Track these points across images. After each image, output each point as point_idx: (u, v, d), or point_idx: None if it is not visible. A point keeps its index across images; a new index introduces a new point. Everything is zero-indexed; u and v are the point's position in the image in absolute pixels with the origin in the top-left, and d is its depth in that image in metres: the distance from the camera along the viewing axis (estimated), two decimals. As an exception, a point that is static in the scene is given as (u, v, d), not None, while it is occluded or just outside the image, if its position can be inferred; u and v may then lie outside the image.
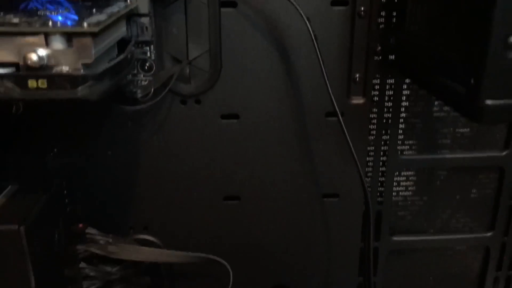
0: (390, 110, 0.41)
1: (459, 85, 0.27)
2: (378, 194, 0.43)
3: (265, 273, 0.45)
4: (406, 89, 0.41)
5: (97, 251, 0.38)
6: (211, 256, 0.40)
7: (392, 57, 0.38)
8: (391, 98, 0.41)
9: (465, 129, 0.42)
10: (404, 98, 0.42)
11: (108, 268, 0.40)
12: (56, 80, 0.24)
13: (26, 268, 0.32)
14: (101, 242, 0.39)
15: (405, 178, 0.45)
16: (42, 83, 0.24)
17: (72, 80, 0.24)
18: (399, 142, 0.42)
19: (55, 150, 0.40)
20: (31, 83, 0.24)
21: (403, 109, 0.42)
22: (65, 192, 0.39)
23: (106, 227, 0.41)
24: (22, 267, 0.32)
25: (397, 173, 0.44)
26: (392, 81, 0.40)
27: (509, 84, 0.25)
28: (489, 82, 0.25)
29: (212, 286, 0.43)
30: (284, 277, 0.45)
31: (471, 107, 0.26)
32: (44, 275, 0.34)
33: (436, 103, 0.42)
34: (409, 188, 0.45)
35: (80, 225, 0.40)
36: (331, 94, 0.36)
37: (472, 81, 0.26)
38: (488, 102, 0.25)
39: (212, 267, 0.43)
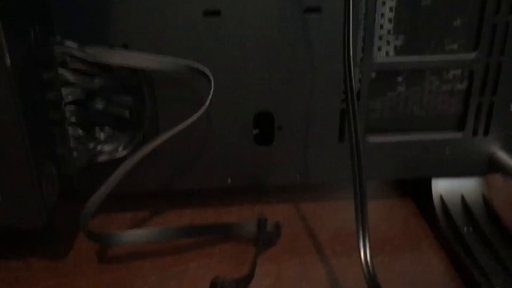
0: None
1: None
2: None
3: (247, 99, 0.45)
4: None
5: (75, 53, 0.37)
6: (192, 63, 0.39)
7: None
8: None
9: None
10: None
11: (88, 78, 0.39)
12: None
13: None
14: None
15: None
16: None
17: None
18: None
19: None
20: None
21: None
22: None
23: (85, 44, 0.40)
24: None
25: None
26: None
27: None
28: None
29: (192, 108, 0.43)
30: (268, 103, 0.45)
31: None
32: (20, 65, 0.34)
33: None
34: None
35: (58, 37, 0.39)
36: None
37: None
38: None
39: (192, 87, 0.43)
